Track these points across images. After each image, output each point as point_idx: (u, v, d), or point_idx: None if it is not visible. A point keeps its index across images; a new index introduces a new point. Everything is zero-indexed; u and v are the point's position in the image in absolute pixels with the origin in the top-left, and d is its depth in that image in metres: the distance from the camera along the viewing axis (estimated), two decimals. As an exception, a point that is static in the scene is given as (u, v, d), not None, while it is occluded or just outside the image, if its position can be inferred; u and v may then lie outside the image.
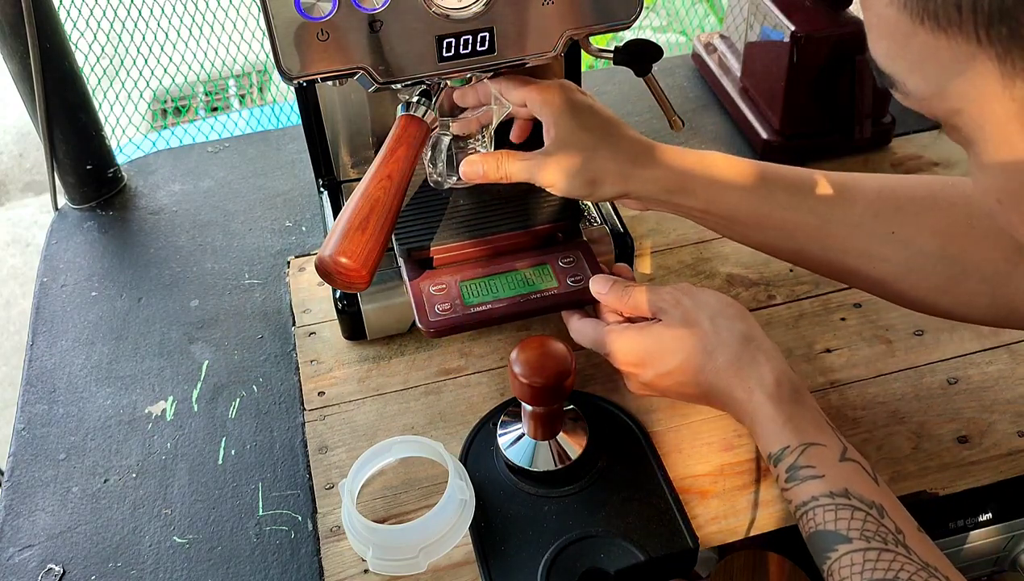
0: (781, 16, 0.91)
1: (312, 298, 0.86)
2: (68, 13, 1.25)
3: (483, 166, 0.70)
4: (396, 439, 0.70)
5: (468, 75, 0.71)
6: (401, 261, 0.77)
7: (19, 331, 2.25)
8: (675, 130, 0.78)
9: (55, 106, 0.92)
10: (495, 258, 0.76)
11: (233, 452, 0.74)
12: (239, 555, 0.67)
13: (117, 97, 1.38)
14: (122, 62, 1.40)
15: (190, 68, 1.48)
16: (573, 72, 0.89)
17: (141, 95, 1.45)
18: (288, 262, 0.90)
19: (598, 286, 0.70)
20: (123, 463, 0.73)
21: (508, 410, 0.72)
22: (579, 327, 0.70)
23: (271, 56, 0.66)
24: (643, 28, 1.88)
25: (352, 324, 0.79)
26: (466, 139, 0.78)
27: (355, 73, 0.67)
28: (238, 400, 0.78)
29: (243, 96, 1.96)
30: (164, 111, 1.94)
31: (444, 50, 0.68)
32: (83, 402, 0.78)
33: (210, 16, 1.44)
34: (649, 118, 1.04)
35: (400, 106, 0.71)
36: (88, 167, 0.97)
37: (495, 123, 0.79)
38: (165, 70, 1.46)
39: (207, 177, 1.03)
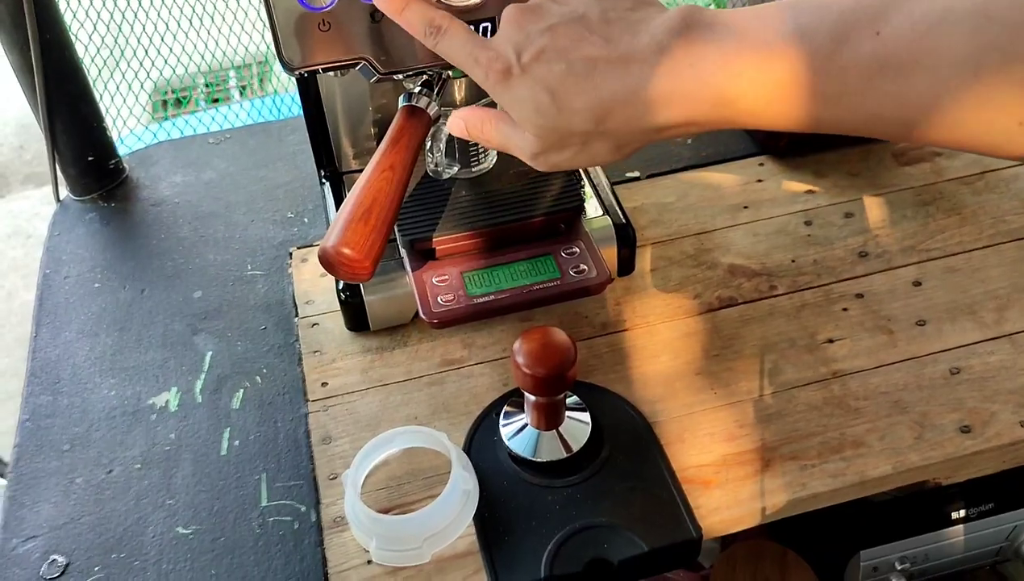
0: (783, 6, 0.91)
1: (315, 289, 0.86)
2: (68, 4, 1.25)
3: (466, 124, 0.61)
4: (399, 430, 0.70)
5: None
6: (404, 252, 0.77)
7: (21, 322, 2.26)
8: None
9: (56, 98, 0.92)
10: (498, 249, 0.76)
11: (237, 443, 0.74)
12: (242, 546, 0.67)
13: (118, 88, 1.37)
14: (123, 53, 1.40)
15: (191, 59, 1.48)
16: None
17: (142, 86, 1.45)
18: (291, 253, 0.90)
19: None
20: (127, 454, 0.74)
21: (511, 400, 0.72)
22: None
23: (272, 47, 0.66)
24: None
25: (355, 315, 0.79)
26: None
27: (357, 64, 0.67)
28: (241, 391, 0.78)
29: (244, 87, 1.96)
30: (165, 102, 1.93)
31: (446, 40, 0.67)
32: (87, 393, 0.79)
33: (211, 7, 1.44)
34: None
35: (402, 97, 0.71)
36: (89, 158, 0.97)
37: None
38: (166, 61, 1.46)
39: (209, 168, 1.02)
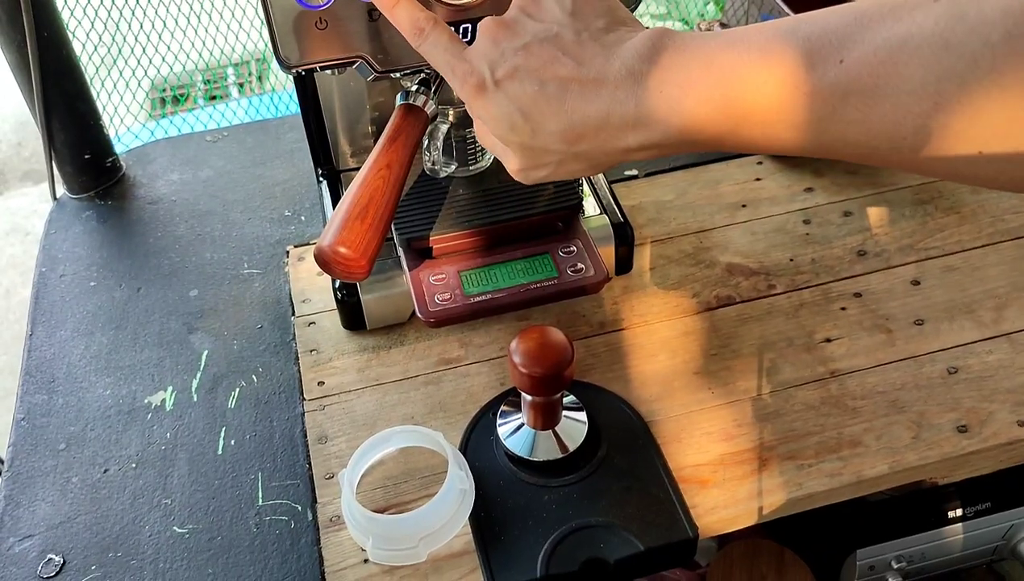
0: (781, 3, 0.91)
1: (312, 288, 0.86)
2: (66, 1, 1.25)
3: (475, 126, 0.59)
4: (396, 429, 0.70)
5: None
6: (401, 251, 0.77)
7: (19, 320, 2.25)
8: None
9: (53, 95, 0.92)
10: (495, 247, 0.76)
11: (233, 442, 0.74)
12: (239, 545, 0.67)
13: (115, 86, 1.37)
14: (120, 51, 1.40)
15: (188, 57, 1.48)
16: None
17: (139, 84, 1.44)
18: (287, 251, 0.90)
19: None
20: (123, 453, 0.73)
21: (508, 400, 0.72)
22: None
23: (270, 45, 0.66)
24: (642, 16, 1.87)
25: (352, 314, 0.79)
26: (465, 128, 0.78)
27: (354, 62, 0.67)
28: (237, 390, 0.78)
29: (242, 85, 1.96)
30: (163, 100, 1.93)
31: (443, 39, 0.67)
32: (83, 392, 0.78)
33: (209, 4, 1.43)
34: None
35: (399, 95, 0.71)
36: (86, 156, 0.97)
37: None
38: (163, 59, 1.45)
39: (206, 166, 1.02)
